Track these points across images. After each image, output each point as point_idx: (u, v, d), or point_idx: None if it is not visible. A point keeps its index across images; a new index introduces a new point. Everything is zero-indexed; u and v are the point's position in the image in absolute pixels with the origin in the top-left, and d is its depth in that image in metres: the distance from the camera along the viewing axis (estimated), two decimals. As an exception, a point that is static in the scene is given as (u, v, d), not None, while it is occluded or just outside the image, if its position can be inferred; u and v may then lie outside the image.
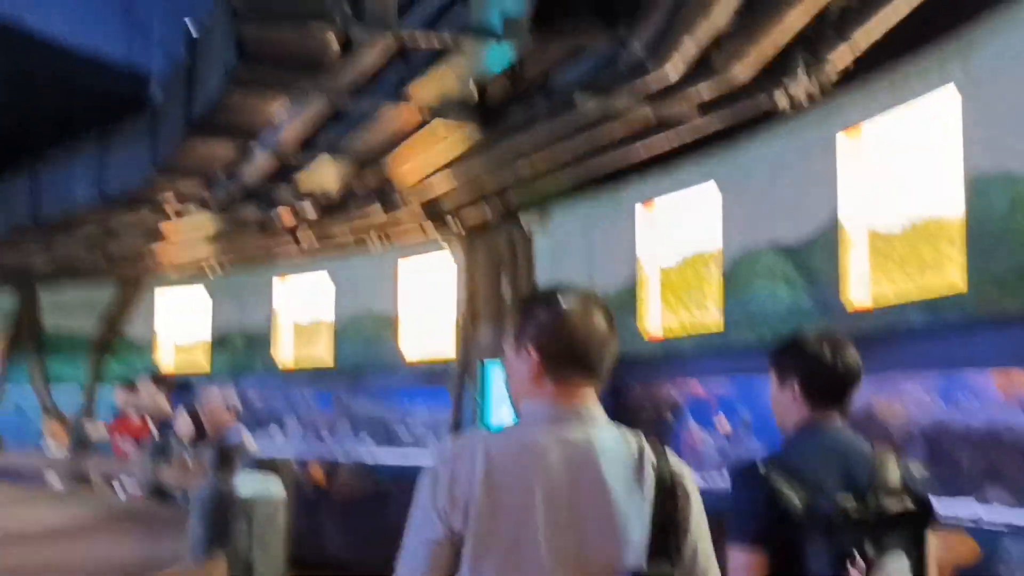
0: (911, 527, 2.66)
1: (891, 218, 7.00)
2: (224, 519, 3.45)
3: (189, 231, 12.47)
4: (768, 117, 7.77)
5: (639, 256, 9.81)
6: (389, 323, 13.54)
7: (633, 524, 1.98)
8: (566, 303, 2.10)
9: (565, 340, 2.08)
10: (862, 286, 7.15)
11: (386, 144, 8.51)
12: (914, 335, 6.59)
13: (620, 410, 10.42)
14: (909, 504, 2.67)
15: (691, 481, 2.10)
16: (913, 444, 6.96)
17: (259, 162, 9.02)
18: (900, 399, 7.03)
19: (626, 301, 9.86)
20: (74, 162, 11.84)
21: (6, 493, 10.92)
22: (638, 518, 1.99)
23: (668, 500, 2.02)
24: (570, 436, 2.03)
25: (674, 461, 2.08)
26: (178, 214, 11.29)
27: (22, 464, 13.60)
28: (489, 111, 7.79)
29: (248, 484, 3.50)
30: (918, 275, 6.67)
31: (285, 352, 15.45)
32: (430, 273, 13.07)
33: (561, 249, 10.87)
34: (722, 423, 8.79)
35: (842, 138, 7.34)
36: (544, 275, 11.04)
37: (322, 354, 14.71)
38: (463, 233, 11.80)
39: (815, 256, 7.49)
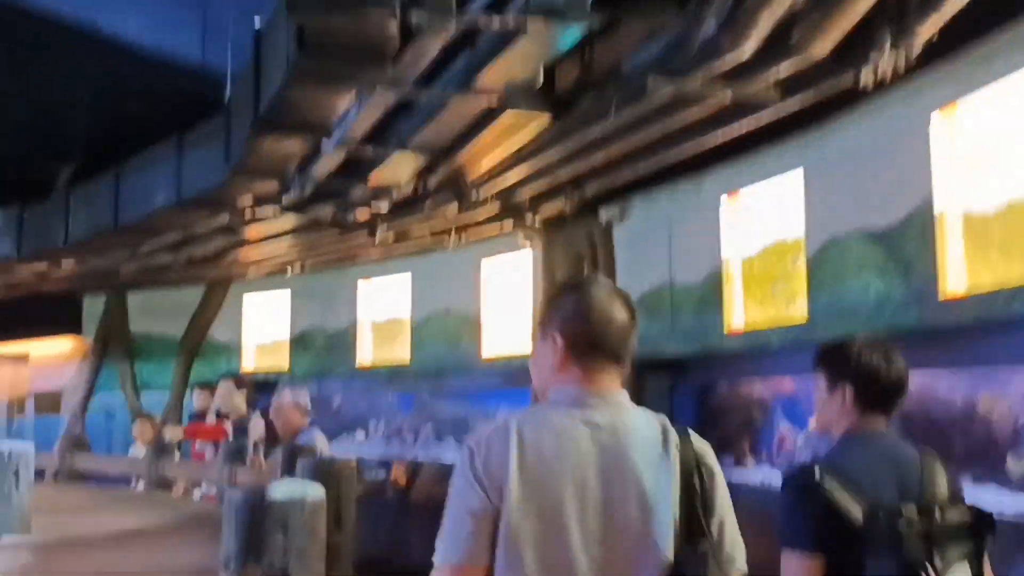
0: (973, 538, 2.61)
1: (989, 199, 6.51)
2: (258, 528, 3.21)
3: (268, 233, 12.44)
4: (855, 98, 7.36)
5: (722, 248, 9.41)
6: (470, 323, 13.33)
7: (661, 504, 2.04)
8: (589, 293, 2.20)
9: (589, 327, 2.16)
10: (958, 273, 6.67)
11: (456, 136, 8.29)
12: (1017, 324, 6.11)
13: (707, 410, 10.06)
14: (969, 514, 2.63)
15: (714, 459, 2.15)
16: (1020, 443, 6.49)
17: (330, 158, 8.87)
18: (1005, 394, 6.57)
19: (709, 295, 9.48)
20: (153, 166, 11.88)
21: (86, 496, 10.96)
22: (666, 498, 2.05)
23: (693, 479, 2.08)
24: (597, 420, 2.10)
25: (696, 440, 2.15)
26: (256, 216, 11.24)
27: (106, 467, 13.73)
28: (560, 99, 7.52)
29: (283, 489, 3.26)
30: (1019, 260, 6.19)
31: (366, 354, 15.36)
32: (511, 271, 12.82)
33: (641, 242, 10.53)
34: (814, 422, 8.37)
35: (936, 117, 6.87)
36: (624, 269, 10.72)
37: (403, 355, 14.57)
38: (541, 228, 11.55)
39: (907, 242, 7.03)
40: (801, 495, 2.63)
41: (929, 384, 7.31)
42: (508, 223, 11.55)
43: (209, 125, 10.54)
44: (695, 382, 10.30)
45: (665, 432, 2.13)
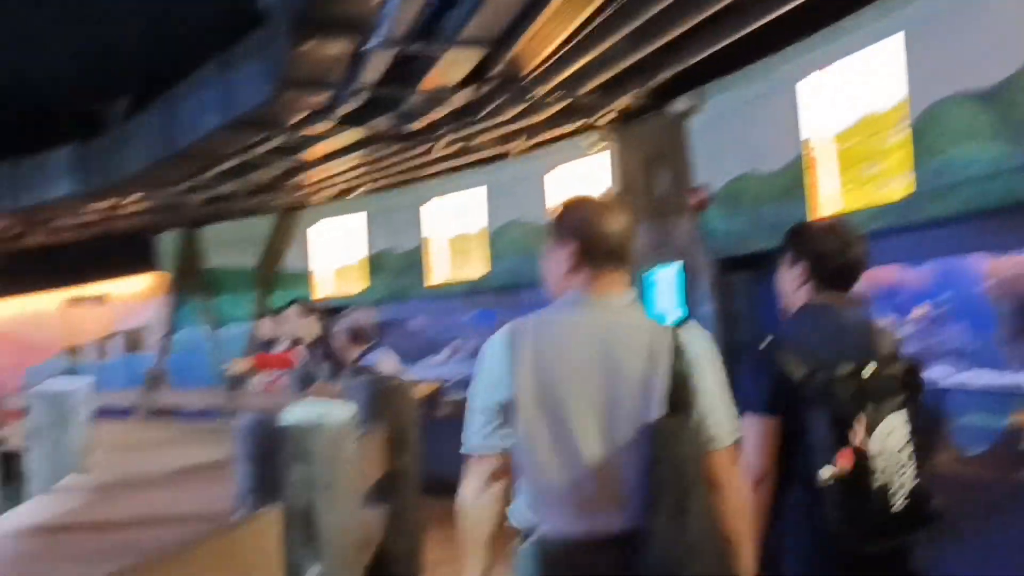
0: (903, 391, 2.86)
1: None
2: (273, 460, 2.68)
3: (327, 151, 11.94)
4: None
5: (806, 130, 8.61)
6: (544, 235, 12.69)
7: (652, 389, 2.34)
8: (594, 205, 2.53)
9: (596, 235, 2.46)
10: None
11: (508, 25, 7.60)
12: None
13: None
14: (900, 370, 2.89)
15: (704, 345, 2.45)
16: None
17: (377, 60, 8.25)
18: None
19: (793, 182, 8.71)
20: (201, 88, 11.40)
21: (165, 432, 10.78)
22: (656, 383, 2.34)
23: (680, 365, 2.36)
24: (597, 318, 2.41)
25: (687, 333, 2.43)
26: (310, 132, 10.73)
27: (186, 402, 13.65)
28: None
29: (297, 412, 2.72)
30: None
31: (442, 272, 14.89)
32: (582, 176, 12.15)
33: (718, 133, 9.77)
34: (918, 311, 7.62)
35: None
36: (702, 163, 9.99)
37: (479, 271, 14.07)
38: (610, 126, 10.83)
39: (1021, 101, 6.18)
40: (754, 364, 2.94)
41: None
42: (575, 124, 10.85)
43: (253, 37, 9.97)
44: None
45: (658, 326, 2.42)
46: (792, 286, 3.12)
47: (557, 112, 10.25)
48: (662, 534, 2.23)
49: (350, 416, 2.87)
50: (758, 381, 2.89)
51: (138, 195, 14.97)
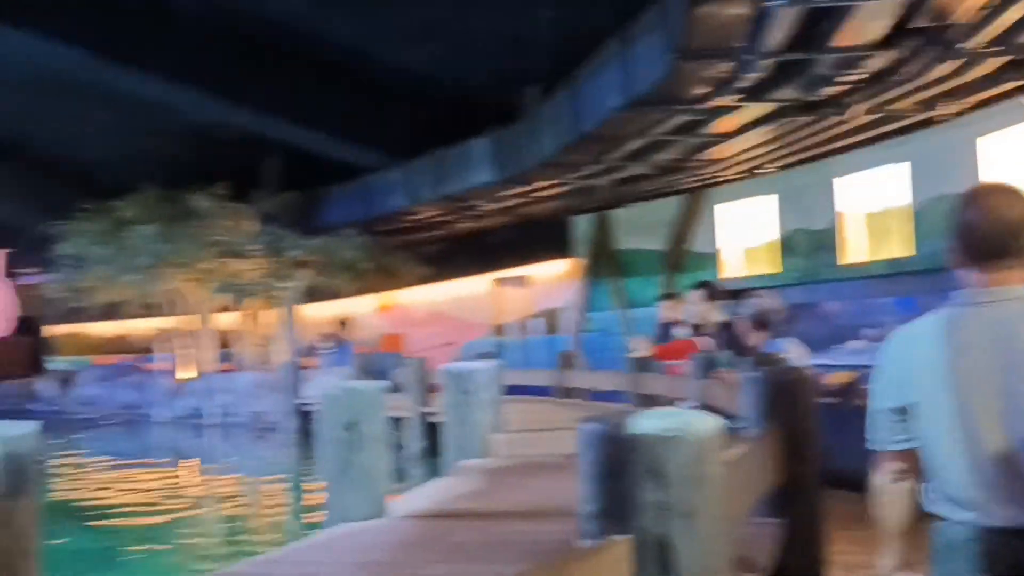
0: None
1: None
2: (624, 478, 2.25)
3: (731, 127, 11.39)
4: None
5: None
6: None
7: None
8: (979, 198, 2.43)
9: (980, 232, 2.36)
10: None
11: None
12: None
13: None
14: None
15: None
16: None
17: (781, 20, 7.58)
18: None
19: None
20: (603, 70, 11.26)
21: (571, 412, 10.82)
22: None
23: None
24: (994, 315, 2.31)
25: None
26: (713, 107, 10.23)
27: (595, 384, 13.76)
28: None
29: (651, 422, 2.25)
30: None
31: (857, 253, 13.81)
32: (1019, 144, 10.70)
33: None
34: None
35: None
36: None
37: (901, 252, 12.87)
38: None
39: None
40: None
41: None
42: (1015, 82, 9.52)
43: (651, 9, 9.63)
44: None
45: None
46: None
47: (992, 69, 9.03)
48: None
49: (716, 429, 2.36)
50: None
51: (550, 180, 15.25)
